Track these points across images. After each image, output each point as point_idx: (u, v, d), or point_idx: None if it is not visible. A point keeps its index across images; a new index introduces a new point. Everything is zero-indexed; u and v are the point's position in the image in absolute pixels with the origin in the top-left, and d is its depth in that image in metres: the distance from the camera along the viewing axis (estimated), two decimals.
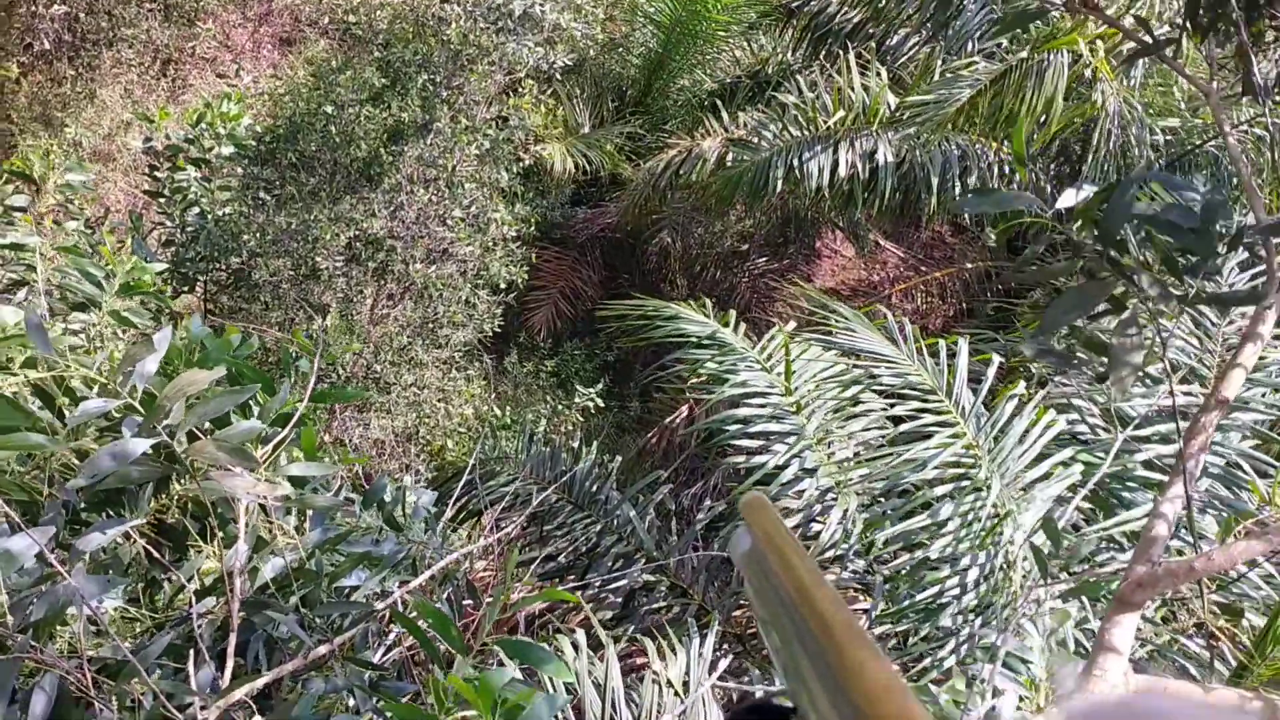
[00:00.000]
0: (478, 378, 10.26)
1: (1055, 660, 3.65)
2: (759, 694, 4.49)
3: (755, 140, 9.20)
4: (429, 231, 8.51)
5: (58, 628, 2.28)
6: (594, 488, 5.69)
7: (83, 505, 2.57)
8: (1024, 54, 7.46)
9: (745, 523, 0.79)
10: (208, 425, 2.40)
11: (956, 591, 4.16)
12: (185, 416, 2.24)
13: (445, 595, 3.44)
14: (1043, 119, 7.51)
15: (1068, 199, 2.27)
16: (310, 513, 2.74)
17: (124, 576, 2.51)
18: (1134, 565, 2.58)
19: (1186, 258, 2.24)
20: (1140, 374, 4.36)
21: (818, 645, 0.63)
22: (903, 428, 4.77)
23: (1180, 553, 3.89)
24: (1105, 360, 2.27)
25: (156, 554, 2.46)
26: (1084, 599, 3.97)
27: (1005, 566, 4.12)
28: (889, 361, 5.15)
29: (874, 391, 5.17)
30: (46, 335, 2.22)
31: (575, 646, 3.80)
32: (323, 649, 2.57)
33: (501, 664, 2.95)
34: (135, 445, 2.20)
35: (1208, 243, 2.18)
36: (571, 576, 5.48)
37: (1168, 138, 8.52)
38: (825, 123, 8.88)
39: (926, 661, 4.12)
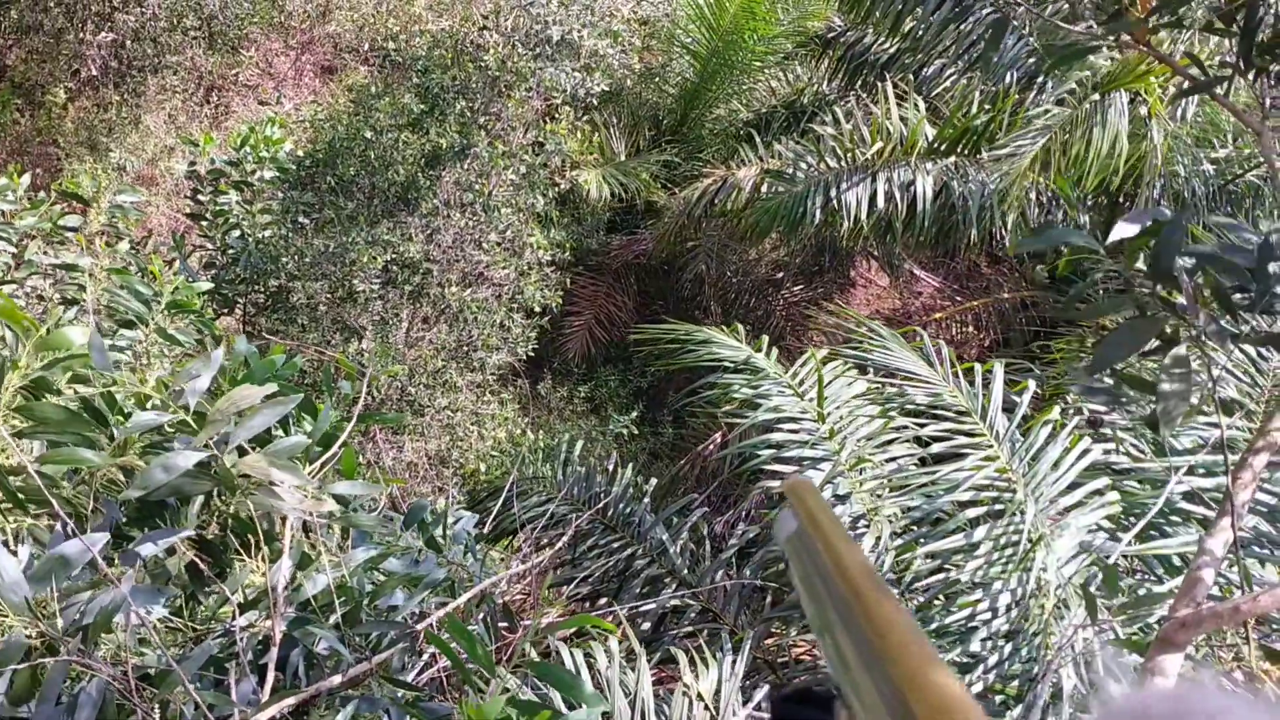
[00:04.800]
0: (511, 401, 10.31)
1: (1108, 656, 3.59)
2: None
3: (791, 171, 9.19)
4: (465, 255, 8.59)
5: (102, 635, 2.31)
6: (628, 509, 5.69)
7: (124, 519, 2.61)
8: (1095, 97, 7.42)
9: (790, 506, 0.79)
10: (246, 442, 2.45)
11: (987, 616, 4.13)
12: (235, 430, 2.28)
13: (481, 617, 3.45)
14: (1109, 161, 7.46)
15: (1120, 233, 2.23)
16: (353, 532, 2.77)
17: (168, 588, 2.55)
18: (1178, 605, 2.55)
19: (1242, 295, 2.21)
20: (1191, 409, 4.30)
21: (861, 629, 0.63)
22: (935, 448, 4.75)
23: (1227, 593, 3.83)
24: (1153, 399, 2.23)
25: (202, 565, 2.49)
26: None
27: (1037, 593, 4.08)
28: (924, 382, 5.13)
29: (906, 414, 5.14)
30: (106, 353, 2.28)
31: (609, 655, 3.79)
32: (361, 667, 2.59)
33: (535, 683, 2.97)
34: (186, 458, 2.24)
35: (1264, 281, 2.16)
36: (603, 599, 5.47)
37: (1212, 169, 8.45)
38: (863, 154, 8.87)
39: None
